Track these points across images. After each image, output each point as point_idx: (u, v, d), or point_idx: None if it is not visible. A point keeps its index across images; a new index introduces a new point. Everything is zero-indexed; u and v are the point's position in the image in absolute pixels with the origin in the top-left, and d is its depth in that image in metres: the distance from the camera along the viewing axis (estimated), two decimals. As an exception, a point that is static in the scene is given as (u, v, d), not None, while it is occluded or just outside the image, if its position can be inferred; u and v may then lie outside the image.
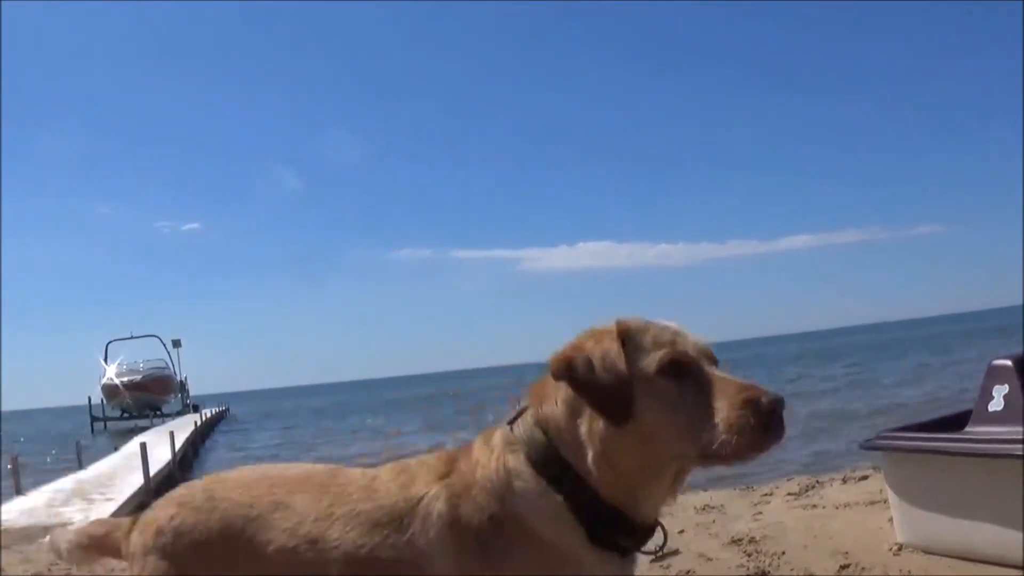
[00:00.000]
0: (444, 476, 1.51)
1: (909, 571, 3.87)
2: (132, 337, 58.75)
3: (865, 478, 6.37)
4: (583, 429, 1.44)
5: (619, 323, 1.49)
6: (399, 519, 1.48)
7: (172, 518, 1.67)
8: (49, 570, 5.95)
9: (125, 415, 50.16)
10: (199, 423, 31.68)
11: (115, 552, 1.83)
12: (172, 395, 55.39)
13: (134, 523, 1.78)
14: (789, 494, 6.26)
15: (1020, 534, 3.53)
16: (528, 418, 1.53)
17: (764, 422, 1.33)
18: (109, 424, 48.46)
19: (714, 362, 1.46)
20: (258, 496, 1.63)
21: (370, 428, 33.03)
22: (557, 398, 1.48)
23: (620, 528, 1.44)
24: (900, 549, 4.14)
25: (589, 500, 1.43)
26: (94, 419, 49.37)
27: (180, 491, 1.77)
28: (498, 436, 1.53)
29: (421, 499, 1.49)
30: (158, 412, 48.11)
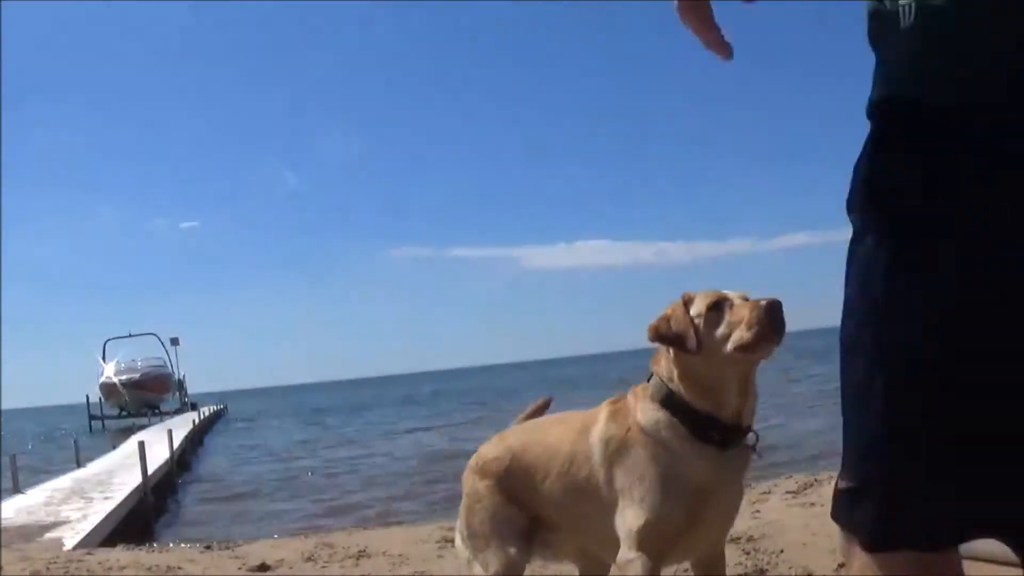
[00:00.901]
0: (611, 413, 2.31)
1: (908, 569, 3.86)
2: (130, 335, 58.88)
3: (864, 476, 6.36)
4: (674, 363, 2.19)
5: (684, 295, 2.24)
6: (584, 444, 2.31)
7: (479, 457, 2.57)
8: (47, 568, 5.94)
9: (123, 413, 50.12)
10: (197, 421, 31.72)
11: None
12: (170, 393, 55.41)
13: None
14: (787, 492, 6.24)
15: (1019, 532, 3.52)
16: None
17: (766, 318, 2.04)
18: (107, 423, 48.43)
19: (747, 299, 2.15)
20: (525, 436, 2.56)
21: (376, 427, 33.07)
22: (660, 354, 2.27)
23: (711, 426, 2.13)
24: (899, 547, 4.14)
25: (685, 409, 2.15)
26: (92, 417, 49.36)
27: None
28: (639, 386, 2.30)
29: (595, 427, 2.33)
30: (156, 411, 48.04)
